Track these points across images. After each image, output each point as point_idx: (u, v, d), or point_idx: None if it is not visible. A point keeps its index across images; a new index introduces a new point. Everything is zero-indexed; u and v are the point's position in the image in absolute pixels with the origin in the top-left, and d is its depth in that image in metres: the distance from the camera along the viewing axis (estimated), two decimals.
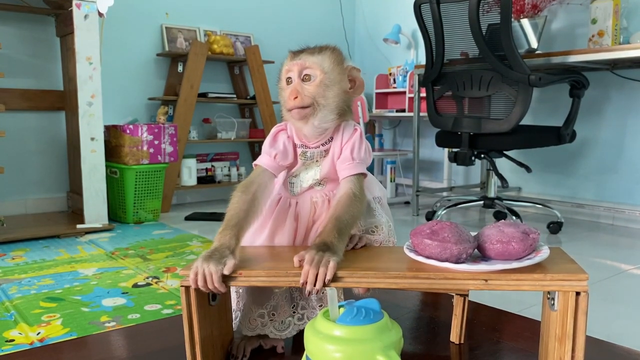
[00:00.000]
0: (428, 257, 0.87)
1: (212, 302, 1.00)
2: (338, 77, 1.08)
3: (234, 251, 0.95)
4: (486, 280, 0.84)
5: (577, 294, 0.81)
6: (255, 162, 1.12)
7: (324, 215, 1.08)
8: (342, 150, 1.10)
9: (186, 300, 0.93)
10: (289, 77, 1.08)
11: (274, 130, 1.14)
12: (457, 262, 0.85)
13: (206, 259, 0.92)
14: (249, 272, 0.92)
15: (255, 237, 1.10)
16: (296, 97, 1.04)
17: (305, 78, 1.06)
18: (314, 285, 0.87)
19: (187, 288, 0.92)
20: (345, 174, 1.08)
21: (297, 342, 1.14)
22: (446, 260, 0.85)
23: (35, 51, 3.14)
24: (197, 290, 0.92)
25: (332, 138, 1.11)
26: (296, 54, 1.10)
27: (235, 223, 0.99)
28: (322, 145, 1.11)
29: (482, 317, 1.29)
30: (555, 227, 2.70)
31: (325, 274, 0.87)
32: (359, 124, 1.23)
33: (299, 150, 1.12)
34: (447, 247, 0.84)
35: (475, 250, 0.90)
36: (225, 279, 0.92)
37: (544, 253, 0.86)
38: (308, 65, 1.07)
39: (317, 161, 1.12)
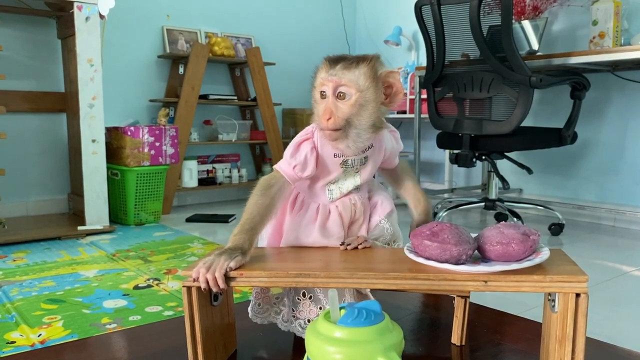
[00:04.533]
0: (428, 259, 0.87)
1: (214, 302, 1.00)
2: (374, 94, 1.04)
3: (246, 253, 0.98)
4: (486, 282, 0.84)
5: (577, 295, 0.81)
6: (275, 166, 1.12)
7: (362, 217, 1.15)
8: (388, 155, 1.17)
9: (188, 300, 0.93)
10: (323, 92, 1.05)
11: (298, 138, 1.12)
12: (457, 264, 0.85)
13: (218, 254, 0.95)
14: (250, 272, 0.92)
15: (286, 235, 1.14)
16: (329, 119, 1.02)
17: (340, 96, 1.03)
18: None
19: (189, 288, 0.93)
20: (393, 165, 1.23)
21: (298, 344, 1.14)
22: (446, 261, 0.85)
23: (36, 53, 3.14)
24: (199, 290, 0.92)
25: (372, 145, 1.11)
26: (332, 64, 1.05)
27: (250, 228, 1.02)
28: (362, 152, 1.11)
29: (483, 319, 1.29)
30: (556, 228, 2.69)
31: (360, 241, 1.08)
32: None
33: (338, 160, 1.11)
34: (447, 249, 0.84)
35: (476, 251, 0.90)
36: (227, 280, 0.92)
37: (544, 254, 0.86)
38: (343, 82, 1.02)
39: (356, 169, 1.13)
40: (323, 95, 1.05)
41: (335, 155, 1.10)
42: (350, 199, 1.13)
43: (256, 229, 1.03)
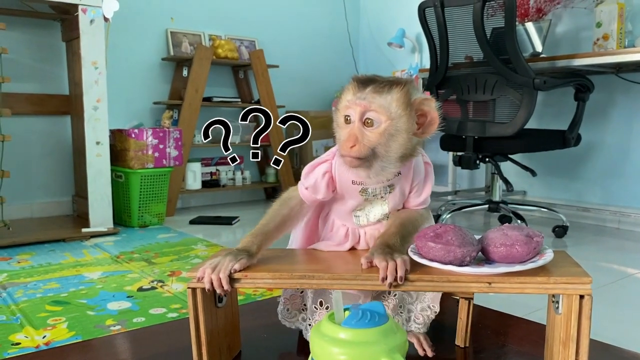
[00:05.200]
0: (432, 260, 0.87)
1: (218, 304, 1.00)
2: (406, 124, 0.92)
3: (253, 255, 0.96)
4: (490, 283, 0.84)
5: (581, 297, 0.81)
6: (300, 185, 1.06)
7: None
8: (413, 190, 1.04)
9: (193, 302, 0.93)
10: (348, 116, 0.94)
11: (318, 159, 1.05)
12: (460, 265, 0.85)
13: (224, 256, 0.94)
14: (254, 274, 0.92)
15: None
16: (353, 146, 0.91)
17: (368, 122, 0.92)
18: (396, 276, 0.86)
19: (194, 290, 0.93)
20: (412, 207, 1.06)
21: (302, 345, 1.14)
22: (450, 263, 0.85)
23: (41, 56, 3.16)
24: (204, 292, 0.92)
25: (399, 172, 1.00)
26: (361, 86, 0.93)
27: (261, 232, 1.00)
28: (387, 180, 1.00)
29: (488, 321, 1.29)
30: (560, 231, 2.69)
31: (403, 265, 0.87)
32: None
33: (357, 187, 1.01)
34: (451, 250, 0.84)
35: (479, 253, 0.90)
36: (232, 281, 0.92)
37: (547, 256, 0.86)
38: (373, 108, 0.91)
39: (382, 197, 1.03)
40: (347, 120, 0.94)
41: (353, 182, 1.00)
42: (379, 229, 1.05)
43: (268, 234, 1.01)
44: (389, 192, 1.02)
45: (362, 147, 0.91)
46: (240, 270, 0.93)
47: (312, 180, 1.02)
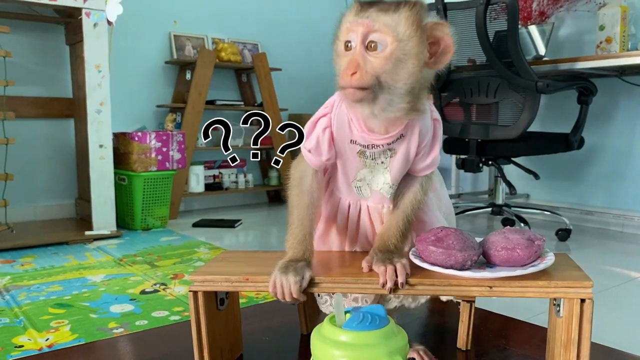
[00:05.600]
0: (433, 264, 0.87)
1: (220, 307, 1.00)
2: (416, 47, 0.79)
3: (310, 264, 0.92)
4: (491, 287, 0.84)
5: (582, 300, 0.80)
6: (301, 146, 0.93)
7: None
8: (420, 153, 0.91)
9: (194, 305, 0.93)
10: (349, 41, 0.81)
11: (318, 113, 0.93)
12: (462, 269, 0.85)
13: (283, 270, 0.89)
14: (255, 277, 0.93)
15: (326, 242, 1.07)
16: (354, 73, 0.78)
17: (371, 46, 0.78)
18: (396, 280, 0.84)
19: (196, 293, 0.93)
20: (419, 174, 0.95)
21: (304, 348, 1.14)
22: (451, 267, 0.85)
23: (45, 59, 3.17)
24: (205, 295, 0.92)
25: (402, 135, 0.88)
26: (365, 6, 0.80)
27: (303, 238, 0.93)
28: (388, 144, 0.89)
29: (490, 324, 1.28)
30: (563, 234, 2.68)
31: (403, 270, 0.85)
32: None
33: (355, 148, 0.90)
34: (452, 254, 0.84)
35: (481, 257, 0.90)
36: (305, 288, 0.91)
37: (548, 260, 0.86)
38: (377, 28, 0.78)
39: (382, 162, 0.92)
40: (348, 46, 0.81)
41: (351, 142, 0.89)
42: (382, 203, 0.97)
43: (310, 233, 0.94)
44: (390, 157, 0.91)
45: (364, 75, 0.78)
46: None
47: (313, 141, 0.91)
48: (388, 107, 0.81)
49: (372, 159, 0.91)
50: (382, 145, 0.89)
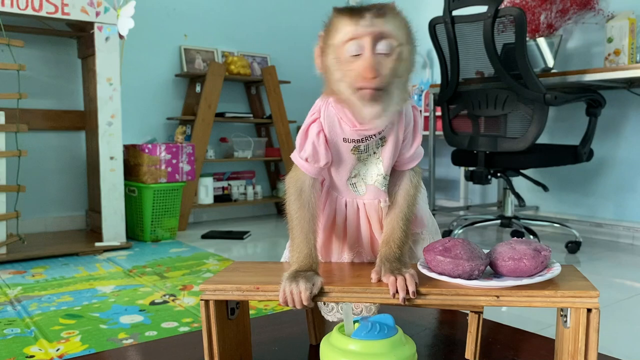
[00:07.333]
0: (441, 274, 0.88)
1: (230, 316, 1.01)
2: (410, 46, 0.88)
3: (317, 272, 0.94)
4: (498, 297, 0.84)
5: (589, 310, 0.81)
6: (291, 156, 0.99)
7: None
8: (405, 138, 0.97)
9: (206, 314, 0.94)
10: (355, 47, 0.84)
11: (307, 120, 0.97)
12: (469, 279, 0.86)
13: (293, 279, 0.91)
14: (265, 286, 0.93)
15: (328, 249, 1.09)
16: (375, 77, 0.83)
17: (381, 50, 0.84)
18: (406, 291, 0.86)
19: (207, 302, 0.94)
20: (406, 167, 1.00)
21: (313, 357, 1.15)
22: (459, 276, 0.86)
23: (57, 72, 3.21)
24: (216, 304, 0.93)
25: (391, 122, 0.94)
26: (362, 13, 0.84)
27: (309, 252, 0.96)
28: (379, 132, 0.94)
29: (498, 336, 1.28)
30: (573, 246, 2.67)
31: (412, 280, 0.87)
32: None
33: (349, 146, 0.95)
34: (460, 264, 0.85)
35: (488, 267, 0.90)
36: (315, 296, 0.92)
37: (555, 270, 0.86)
38: (384, 34, 0.84)
39: (374, 153, 0.97)
40: (354, 51, 0.85)
41: (344, 140, 0.94)
42: (380, 201, 1.00)
43: (314, 244, 0.97)
44: (382, 146, 0.96)
45: (383, 77, 0.83)
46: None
47: (309, 148, 0.95)
48: (395, 101, 0.88)
49: (366, 152, 0.96)
50: (376, 135, 0.94)
